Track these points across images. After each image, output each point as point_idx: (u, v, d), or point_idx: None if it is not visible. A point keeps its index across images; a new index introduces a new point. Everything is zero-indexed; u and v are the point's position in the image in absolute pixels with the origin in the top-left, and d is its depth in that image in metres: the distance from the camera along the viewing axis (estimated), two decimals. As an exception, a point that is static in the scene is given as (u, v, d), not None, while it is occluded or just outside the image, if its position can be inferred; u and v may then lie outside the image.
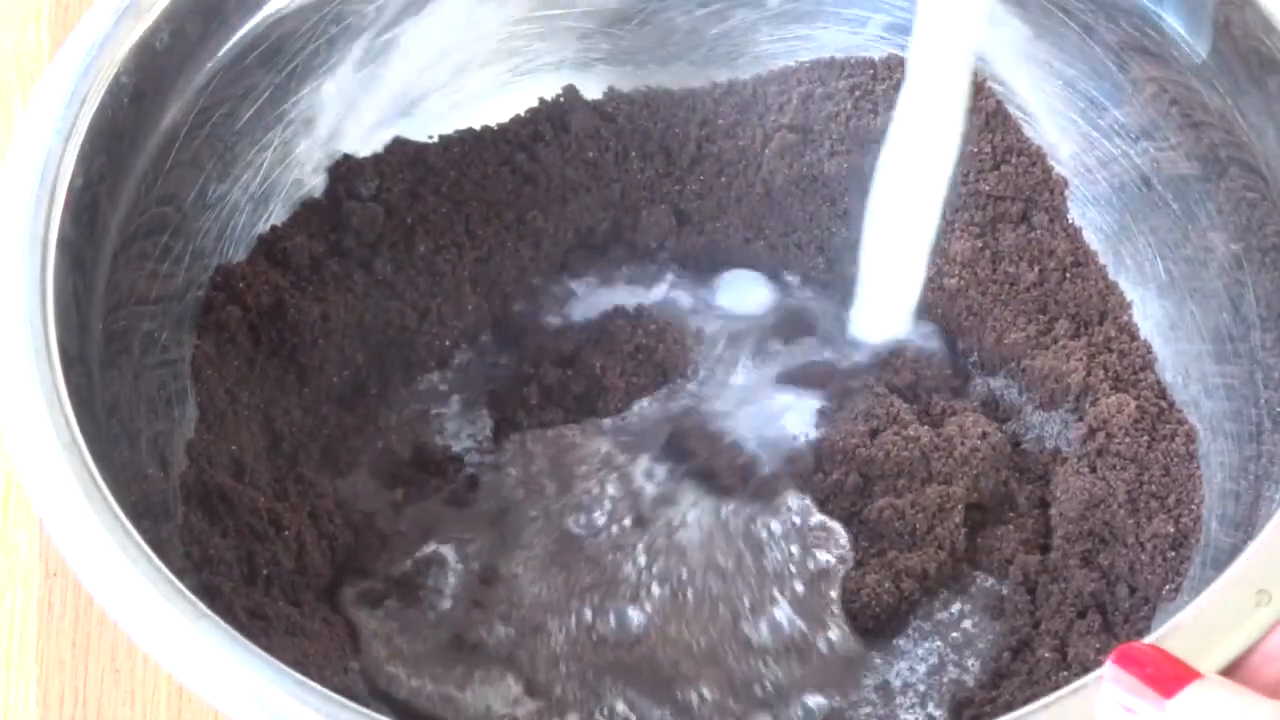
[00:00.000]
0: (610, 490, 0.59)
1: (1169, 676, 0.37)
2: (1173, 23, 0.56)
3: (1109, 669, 0.38)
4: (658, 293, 0.64)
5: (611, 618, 0.56)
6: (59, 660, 0.57)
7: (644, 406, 0.61)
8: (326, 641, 0.54)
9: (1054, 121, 0.61)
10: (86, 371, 0.48)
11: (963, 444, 0.58)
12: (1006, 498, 0.59)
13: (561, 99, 0.64)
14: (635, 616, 0.56)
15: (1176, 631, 0.40)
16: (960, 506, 0.57)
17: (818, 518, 0.58)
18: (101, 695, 0.56)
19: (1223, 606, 0.40)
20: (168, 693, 0.56)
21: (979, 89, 0.61)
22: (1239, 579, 0.41)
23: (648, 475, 0.59)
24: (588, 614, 0.56)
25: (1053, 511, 0.57)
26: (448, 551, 0.57)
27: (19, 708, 0.56)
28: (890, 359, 0.62)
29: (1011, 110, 0.62)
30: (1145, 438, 0.57)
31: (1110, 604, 0.54)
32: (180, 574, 0.43)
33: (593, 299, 0.64)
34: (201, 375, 0.56)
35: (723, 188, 0.64)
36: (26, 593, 0.58)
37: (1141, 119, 0.58)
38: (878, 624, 0.56)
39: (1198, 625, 0.40)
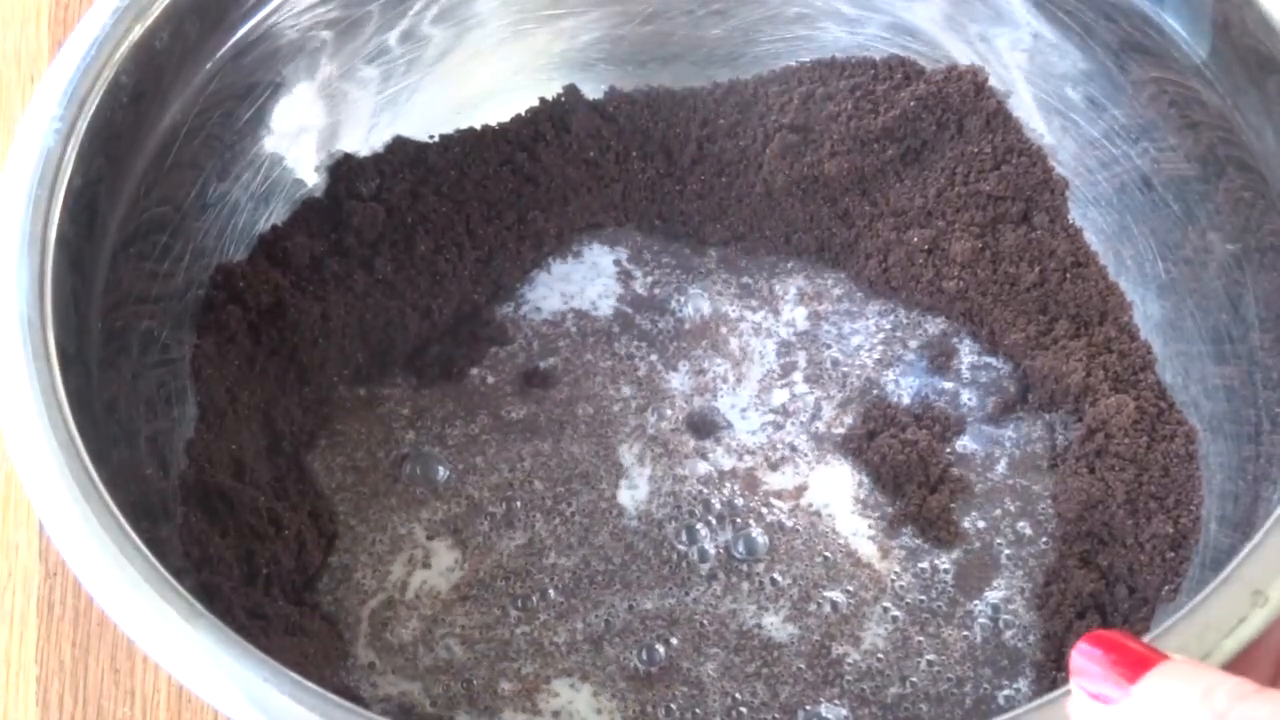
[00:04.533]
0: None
1: (1134, 660, 0.36)
2: (1172, 23, 0.56)
3: (1074, 658, 0.37)
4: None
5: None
6: (59, 660, 0.57)
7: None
8: (326, 640, 0.54)
9: (1055, 122, 0.61)
10: (85, 371, 0.48)
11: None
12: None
13: (562, 98, 0.64)
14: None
15: (1173, 632, 0.40)
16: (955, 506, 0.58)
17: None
18: (101, 695, 0.56)
19: (1219, 607, 0.40)
20: (168, 693, 0.56)
21: (980, 89, 0.61)
22: (1235, 580, 0.41)
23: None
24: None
25: (1052, 512, 0.57)
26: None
27: (19, 708, 0.56)
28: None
29: (1012, 110, 0.61)
30: (1145, 438, 0.56)
31: (1109, 605, 0.54)
32: (179, 574, 0.44)
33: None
34: (201, 374, 0.56)
35: (723, 188, 0.64)
36: (26, 593, 0.58)
37: (1141, 119, 0.58)
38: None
39: (1194, 626, 0.40)
